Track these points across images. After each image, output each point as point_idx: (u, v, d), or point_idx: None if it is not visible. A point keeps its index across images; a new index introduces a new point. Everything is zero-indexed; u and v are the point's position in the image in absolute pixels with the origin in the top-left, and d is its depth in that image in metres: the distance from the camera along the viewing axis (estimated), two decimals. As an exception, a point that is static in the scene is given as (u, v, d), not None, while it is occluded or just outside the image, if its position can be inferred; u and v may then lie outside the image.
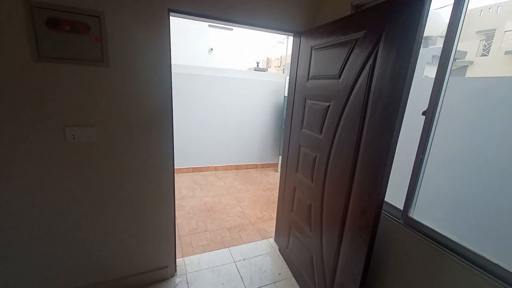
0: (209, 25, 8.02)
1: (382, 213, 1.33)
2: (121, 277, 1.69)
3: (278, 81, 4.45)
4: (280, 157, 4.51)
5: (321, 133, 1.56)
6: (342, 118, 1.36)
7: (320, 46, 1.57)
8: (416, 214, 1.25)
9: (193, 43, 7.60)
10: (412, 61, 0.97)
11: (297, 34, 1.85)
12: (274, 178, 4.29)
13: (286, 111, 2.08)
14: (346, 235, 1.35)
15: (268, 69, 10.22)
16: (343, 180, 1.35)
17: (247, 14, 1.64)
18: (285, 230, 2.12)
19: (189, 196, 3.34)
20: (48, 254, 1.49)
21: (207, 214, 2.91)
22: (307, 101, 1.74)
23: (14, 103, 1.24)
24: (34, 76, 1.24)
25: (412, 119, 1.21)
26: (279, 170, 4.58)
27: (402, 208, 1.30)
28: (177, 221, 2.72)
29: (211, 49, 8.85)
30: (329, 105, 1.48)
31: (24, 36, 1.18)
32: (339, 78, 1.39)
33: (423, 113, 1.15)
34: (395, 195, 1.35)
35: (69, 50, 1.28)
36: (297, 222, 1.89)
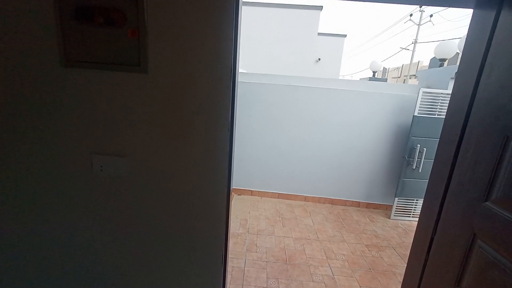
0: (319, 33, 7.40)
1: None
2: None
3: (405, 94, 3.23)
4: (397, 199, 3.23)
5: None
6: None
7: None
8: None
9: (299, 53, 7.16)
10: None
11: (490, 3, 0.89)
12: (384, 227, 3.08)
13: (437, 150, 1.11)
14: None
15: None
16: None
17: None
18: None
19: (267, 233, 2.73)
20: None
21: (283, 268, 2.20)
22: (514, 143, 0.75)
23: (37, 120, 0.97)
24: (60, 85, 0.94)
25: None
26: (393, 217, 3.30)
27: None
28: (246, 268, 2.15)
29: (319, 59, 8.16)
30: None
31: (51, 33, 0.89)
32: None
33: None
34: None
35: (100, 51, 0.91)
36: None
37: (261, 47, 7.06)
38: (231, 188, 1.22)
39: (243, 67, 5.63)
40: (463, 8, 1.00)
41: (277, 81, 3.34)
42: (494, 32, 0.87)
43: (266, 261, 2.27)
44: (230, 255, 2.27)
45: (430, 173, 1.14)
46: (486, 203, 0.82)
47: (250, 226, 2.84)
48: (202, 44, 0.91)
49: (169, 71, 0.93)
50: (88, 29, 0.89)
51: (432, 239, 1.08)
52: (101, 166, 1.01)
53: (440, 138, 1.10)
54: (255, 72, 3.44)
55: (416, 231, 1.20)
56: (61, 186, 1.04)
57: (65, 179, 1.03)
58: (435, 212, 1.07)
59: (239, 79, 3.34)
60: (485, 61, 0.89)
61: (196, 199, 1.08)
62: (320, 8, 6.85)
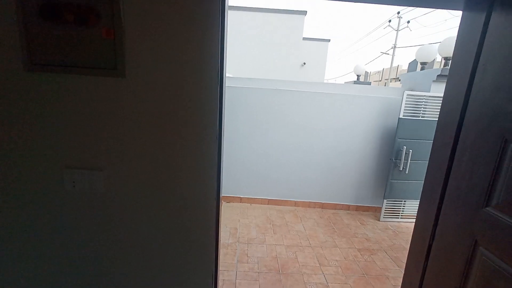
0: (304, 38, 7.50)
1: None
2: None
3: (390, 97, 3.28)
4: (385, 201, 3.26)
5: None
6: None
7: None
8: None
9: (284, 57, 7.20)
10: None
11: (480, 5, 0.88)
12: (374, 230, 3.08)
13: (431, 154, 1.09)
14: None
15: (368, 83, 8.71)
16: None
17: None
18: None
19: (257, 241, 2.65)
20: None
21: (276, 278, 2.12)
22: (512, 146, 0.73)
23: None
24: (24, 92, 0.84)
25: None
26: (383, 219, 3.32)
27: None
28: (237, 281, 2.06)
29: (304, 63, 8.26)
30: None
31: (12, 32, 0.79)
32: None
33: None
34: None
35: (70, 52, 0.82)
36: None
37: (247, 51, 7.05)
38: (220, 197, 1.14)
39: (229, 71, 5.58)
40: (452, 9, 0.99)
41: (264, 85, 3.30)
42: (485, 33, 0.85)
43: (258, 272, 2.18)
44: (220, 268, 2.17)
45: (424, 177, 1.12)
46: (487, 208, 0.79)
47: (240, 235, 2.74)
48: (186, 47, 0.84)
49: (150, 76, 0.85)
50: (56, 28, 0.80)
51: (430, 245, 1.05)
52: (74, 182, 0.90)
53: (433, 142, 1.08)
54: (242, 77, 3.39)
55: (412, 237, 1.17)
56: (29, 204, 0.92)
57: (34, 197, 0.91)
58: (431, 217, 1.04)
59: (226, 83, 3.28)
60: (478, 62, 0.88)
61: (184, 212, 0.99)
62: (304, 13, 6.96)
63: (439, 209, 1.00)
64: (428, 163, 1.10)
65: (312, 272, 2.24)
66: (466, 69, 0.92)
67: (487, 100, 0.82)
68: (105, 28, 0.80)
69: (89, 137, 0.88)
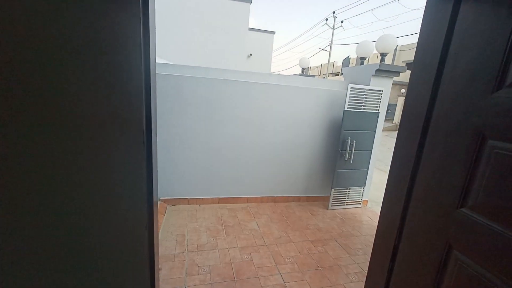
0: (249, 28, 7.30)
1: None
2: None
3: (335, 90, 3.37)
4: (333, 190, 3.39)
5: None
6: None
7: None
8: None
9: (230, 46, 6.90)
10: None
11: (448, -16, 0.80)
12: (324, 219, 3.17)
13: (395, 151, 1.03)
14: None
15: (311, 77, 9.15)
16: None
17: None
18: None
19: (209, 247, 2.41)
20: None
21: (232, 287, 1.94)
22: (490, 141, 0.67)
23: None
24: None
25: None
26: (331, 207, 3.46)
27: None
28: (186, 299, 1.79)
29: (250, 54, 8.10)
30: None
31: None
32: None
33: None
34: None
35: None
36: None
37: (189, 37, 6.48)
38: (156, 207, 0.88)
39: (168, 58, 5.00)
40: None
41: (211, 74, 2.99)
42: (455, 20, 0.79)
43: (211, 283, 1.95)
44: (165, 286, 1.86)
45: (387, 175, 1.05)
46: (462, 209, 0.74)
47: (188, 243, 2.45)
48: (82, 16, 0.53)
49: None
50: None
51: (395, 246, 0.99)
52: None
53: (397, 137, 1.01)
54: (187, 64, 3.01)
55: (375, 237, 1.11)
56: None
57: None
58: (397, 217, 0.98)
59: (167, 71, 2.85)
60: (447, 51, 0.81)
61: (102, 234, 0.70)
62: (249, 1, 6.73)
63: (405, 208, 0.94)
64: (392, 160, 1.03)
65: (269, 273, 2.13)
66: (434, 58, 0.85)
67: (460, 92, 0.76)
68: None
69: None
